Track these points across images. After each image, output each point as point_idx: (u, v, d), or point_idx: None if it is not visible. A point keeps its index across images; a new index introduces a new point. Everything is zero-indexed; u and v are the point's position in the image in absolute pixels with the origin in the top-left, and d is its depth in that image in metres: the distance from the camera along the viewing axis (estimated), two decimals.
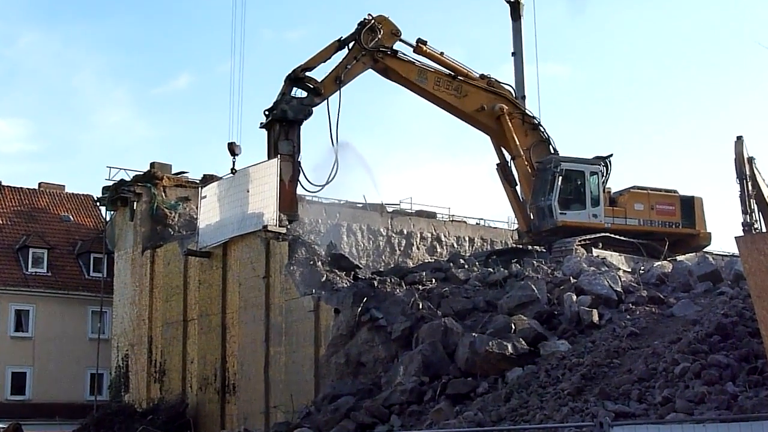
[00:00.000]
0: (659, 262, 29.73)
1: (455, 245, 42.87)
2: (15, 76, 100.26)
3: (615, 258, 31.93)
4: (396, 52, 34.32)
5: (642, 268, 28.92)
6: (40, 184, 52.07)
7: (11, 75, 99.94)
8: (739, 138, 35.93)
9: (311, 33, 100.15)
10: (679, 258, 32.62)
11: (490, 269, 29.94)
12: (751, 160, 35.85)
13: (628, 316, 22.83)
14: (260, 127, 32.94)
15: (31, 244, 46.55)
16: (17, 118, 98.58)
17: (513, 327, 23.23)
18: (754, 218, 35.47)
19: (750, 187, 35.38)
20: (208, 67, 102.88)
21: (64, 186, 52.94)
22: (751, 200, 35.47)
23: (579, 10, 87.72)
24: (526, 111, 36.74)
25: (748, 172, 35.39)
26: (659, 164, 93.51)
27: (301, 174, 32.38)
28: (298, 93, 32.93)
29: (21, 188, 50.60)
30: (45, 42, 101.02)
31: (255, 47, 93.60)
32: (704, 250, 36.94)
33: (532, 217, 35.23)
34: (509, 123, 35.19)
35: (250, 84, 71.35)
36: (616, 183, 36.17)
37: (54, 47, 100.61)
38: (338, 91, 32.97)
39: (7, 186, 50.11)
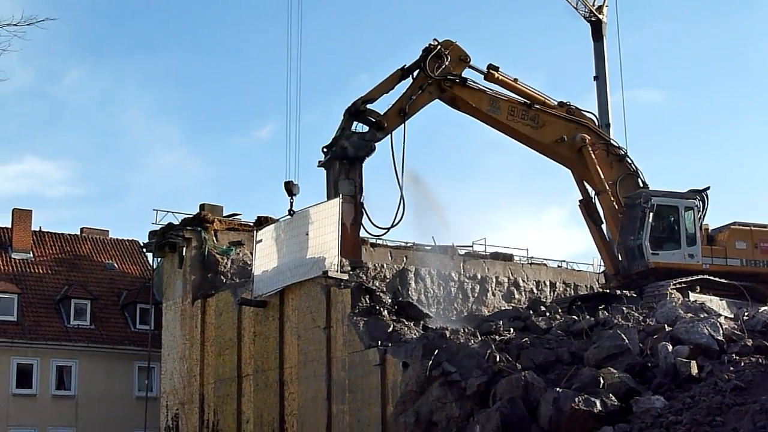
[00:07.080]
0: (765, 307, 29.26)
1: (535, 290, 42.71)
2: (61, 116, 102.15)
3: (715, 303, 31.52)
4: (465, 80, 34.47)
5: (746, 313, 28.42)
6: (82, 229, 52.78)
7: (57, 115, 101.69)
8: None
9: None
10: None
11: (575, 317, 29.76)
12: None
13: (731, 368, 22.51)
14: (318, 166, 33.20)
15: (72, 294, 46.96)
16: (63, 160, 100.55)
17: (601, 381, 23.01)
18: None
19: None
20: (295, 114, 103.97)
21: (108, 231, 53.68)
22: None
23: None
24: (611, 141, 36.64)
25: None
26: (763, 197, 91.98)
27: (365, 216, 32.56)
28: (359, 128, 33.17)
29: (62, 234, 51.29)
30: (92, 78, 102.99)
31: (349, 91, 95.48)
32: None
33: (620, 259, 34.97)
34: (592, 155, 35.07)
35: (331, 129, 71.93)
36: (714, 219, 35.81)
37: (102, 84, 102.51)
38: (403, 125, 33.18)
39: (48, 232, 50.91)
